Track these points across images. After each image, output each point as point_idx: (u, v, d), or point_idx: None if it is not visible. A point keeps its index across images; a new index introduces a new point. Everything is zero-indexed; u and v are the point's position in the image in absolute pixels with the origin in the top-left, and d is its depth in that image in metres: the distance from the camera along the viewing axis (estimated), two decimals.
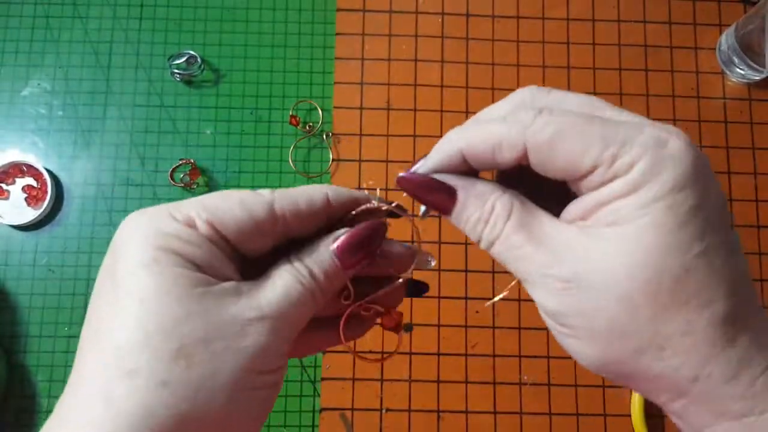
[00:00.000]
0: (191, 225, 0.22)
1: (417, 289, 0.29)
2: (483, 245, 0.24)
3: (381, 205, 0.26)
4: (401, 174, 0.25)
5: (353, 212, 0.26)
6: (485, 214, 0.23)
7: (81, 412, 0.20)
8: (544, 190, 0.24)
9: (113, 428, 0.19)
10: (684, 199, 0.20)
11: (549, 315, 0.23)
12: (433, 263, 0.28)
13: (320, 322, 0.27)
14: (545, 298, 0.22)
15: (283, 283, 0.23)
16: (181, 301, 0.20)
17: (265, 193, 0.24)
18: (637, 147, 0.20)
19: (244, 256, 0.24)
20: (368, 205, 0.26)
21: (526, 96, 0.24)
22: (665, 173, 0.20)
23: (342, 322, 0.27)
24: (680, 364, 0.20)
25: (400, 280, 0.27)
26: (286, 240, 0.25)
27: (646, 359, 0.20)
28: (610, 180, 0.21)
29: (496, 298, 0.32)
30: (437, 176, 0.25)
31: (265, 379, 0.22)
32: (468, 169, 0.24)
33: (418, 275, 0.28)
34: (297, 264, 0.24)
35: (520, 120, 0.22)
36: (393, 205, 0.27)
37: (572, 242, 0.21)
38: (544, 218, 0.23)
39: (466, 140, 0.24)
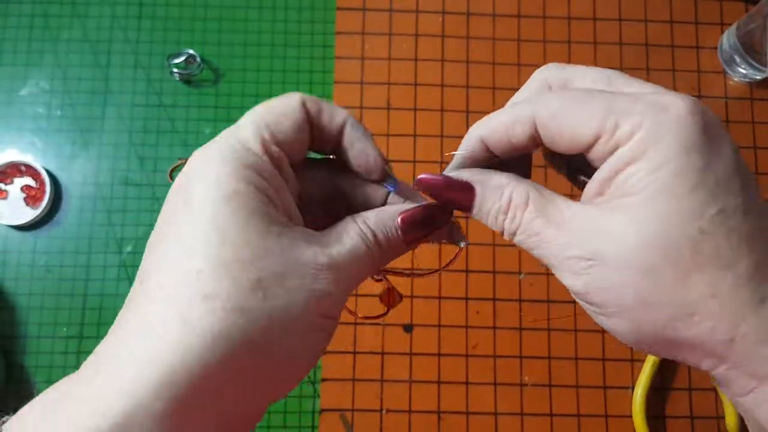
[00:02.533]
0: (267, 151, 0.23)
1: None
2: (506, 236, 0.25)
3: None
4: (420, 176, 0.26)
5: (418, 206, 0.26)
6: (503, 205, 0.24)
7: (154, 328, 0.20)
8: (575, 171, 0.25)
9: (187, 346, 0.19)
10: (691, 162, 0.20)
11: (578, 296, 0.23)
12: (463, 244, 0.29)
13: None
14: (571, 279, 0.23)
15: (350, 239, 0.24)
16: (260, 235, 0.21)
17: (293, 95, 0.25)
18: (636, 114, 0.20)
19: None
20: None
21: (545, 75, 0.25)
22: (668, 137, 0.20)
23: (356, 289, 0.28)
24: (713, 328, 0.20)
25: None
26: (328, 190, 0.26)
27: (680, 328, 0.21)
28: (614, 149, 0.21)
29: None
30: (454, 174, 0.25)
31: (326, 324, 0.23)
32: (492, 159, 0.25)
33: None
34: (362, 225, 0.24)
35: (529, 100, 0.23)
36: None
37: (590, 220, 0.22)
38: (561, 203, 0.23)
39: (485, 127, 0.25)
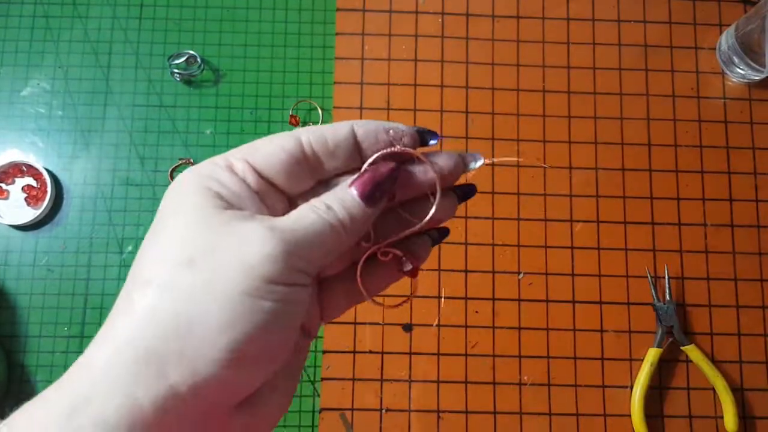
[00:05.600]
0: (230, 168, 0.24)
1: (440, 234, 0.29)
2: None
3: (404, 146, 0.26)
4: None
5: (379, 153, 0.26)
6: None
7: (113, 319, 0.22)
8: None
9: (130, 330, 0.21)
10: None
11: None
12: (481, 161, 0.28)
13: (339, 279, 0.28)
14: None
15: (296, 211, 0.24)
16: (196, 220, 0.22)
17: (297, 130, 0.25)
18: None
19: (291, 200, 0.26)
20: (392, 149, 0.26)
21: None
22: None
23: (359, 266, 0.27)
24: None
25: (426, 236, 0.28)
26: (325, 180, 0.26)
27: None
28: None
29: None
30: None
31: (270, 288, 0.22)
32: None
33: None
34: (315, 201, 0.24)
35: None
36: (415, 130, 0.27)
37: None
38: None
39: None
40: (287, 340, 0.23)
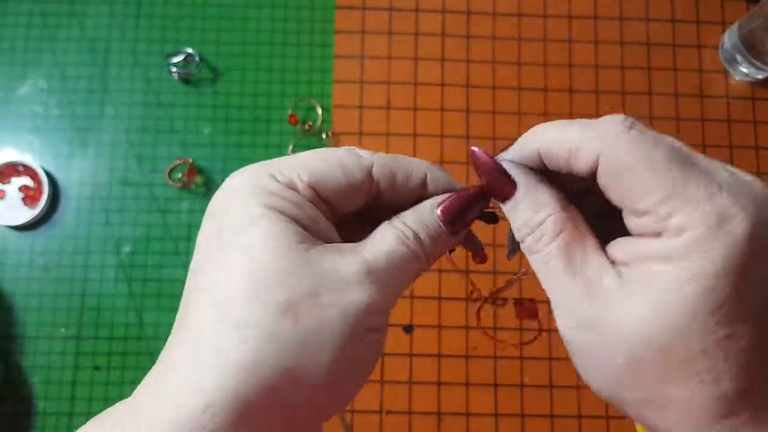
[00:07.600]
0: (293, 187, 0.22)
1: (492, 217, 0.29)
2: (523, 248, 0.24)
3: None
4: (474, 149, 0.24)
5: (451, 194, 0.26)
6: (534, 224, 0.23)
7: (190, 360, 0.20)
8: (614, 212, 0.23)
9: (222, 376, 0.19)
10: (724, 286, 0.19)
11: (566, 343, 0.23)
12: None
13: None
14: (565, 328, 0.22)
15: (387, 242, 0.23)
16: (287, 255, 0.21)
17: (365, 155, 0.24)
18: (697, 214, 0.19)
19: (337, 214, 0.25)
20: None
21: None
22: (713, 254, 0.19)
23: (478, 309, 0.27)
24: (676, 426, 0.20)
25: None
26: (378, 202, 0.25)
27: (648, 411, 0.21)
28: (656, 234, 0.20)
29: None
30: (508, 165, 0.24)
31: (369, 338, 0.22)
32: (546, 168, 0.24)
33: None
34: (400, 225, 0.23)
35: (604, 130, 0.21)
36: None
37: (605, 287, 0.21)
38: (591, 250, 0.22)
39: (544, 142, 0.23)
40: (366, 379, 0.23)
